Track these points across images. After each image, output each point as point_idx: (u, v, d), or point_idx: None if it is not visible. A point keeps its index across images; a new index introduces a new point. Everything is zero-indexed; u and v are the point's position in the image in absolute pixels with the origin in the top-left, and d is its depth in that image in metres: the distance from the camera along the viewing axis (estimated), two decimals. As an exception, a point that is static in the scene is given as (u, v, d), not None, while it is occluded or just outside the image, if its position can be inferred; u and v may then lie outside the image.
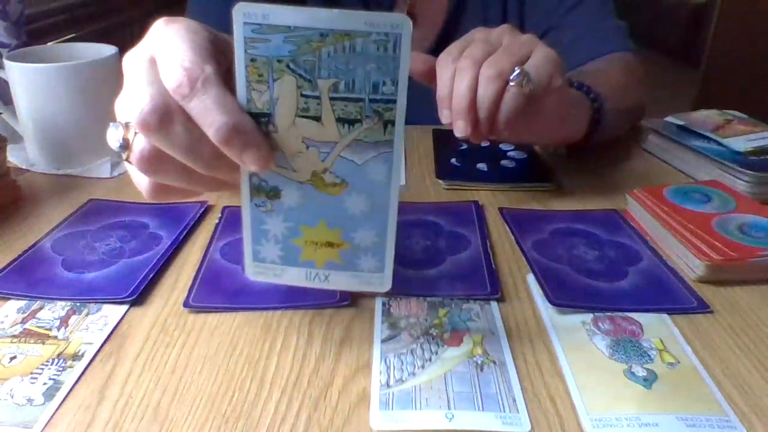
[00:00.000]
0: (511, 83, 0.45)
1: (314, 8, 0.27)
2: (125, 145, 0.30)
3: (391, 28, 0.27)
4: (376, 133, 0.29)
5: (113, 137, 0.30)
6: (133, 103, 0.28)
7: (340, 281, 0.33)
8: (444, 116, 0.48)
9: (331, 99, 0.29)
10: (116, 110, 0.32)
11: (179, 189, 0.32)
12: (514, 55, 0.46)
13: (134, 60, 0.31)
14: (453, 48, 0.48)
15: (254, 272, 0.33)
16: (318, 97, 0.29)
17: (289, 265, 0.33)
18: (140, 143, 0.29)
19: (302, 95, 0.29)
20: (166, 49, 0.29)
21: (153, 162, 0.30)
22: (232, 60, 0.29)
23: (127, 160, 0.30)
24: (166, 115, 0.28)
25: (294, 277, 0.33)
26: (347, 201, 0.31)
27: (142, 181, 0.32)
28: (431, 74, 0.49)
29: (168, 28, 0.30)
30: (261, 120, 0.29)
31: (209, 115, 0.28)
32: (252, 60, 0.28)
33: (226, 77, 0.29)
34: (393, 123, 0.29)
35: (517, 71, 0.45)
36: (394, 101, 0.29)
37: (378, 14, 0.27)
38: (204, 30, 0.30)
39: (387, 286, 0.33)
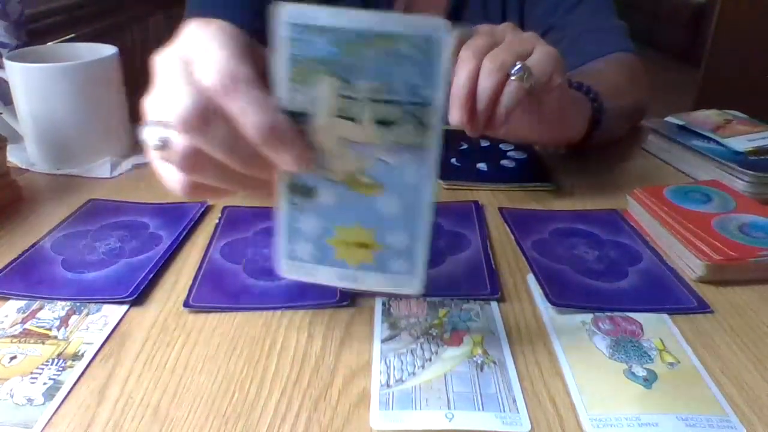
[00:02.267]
0: (512, 77, 0.45)
1: (357, 10, 0.27)
2: (164, 145, 0.30)
3: (431, 31, 0.27)
4: (412, 136, 0.29)
5: (152, 136, 0.30)
6: (172, 102, 0.28)
7: (371, 282, 0.33)
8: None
9: (370, 101, 0.29)
10: (147, 109, 0.32)
11: (212, 187, 0.32)
12: (515, 51, 0.46)
13: (168, 60, 0.31)
14: (455, 40, 0.48)
15: (287, 270, 0.33)
16: (357, 99, 0.29)
17: (322, 264, 0.33)
18: (179, 142, 0.29)
19: (341, 96, 0.29)
20: (203, 50, 0.29)
21: (192, 161, 0.30)
22: (264, 62, 0.30)
23: (164, 159, 0.30)
24: (207, 115, 0.28)
25: (326, 276, 0.33)
26: (382, 203, 0.31)
27: (174, 179, 0.32)
28: None
29: (202, 31, 0.30)
30: (299, 120, 0.29)
31: (248, 114, 0.28)
32: (293, 60, 0.28)
33: (260, 79, 0.29)
34: (430, 126, 0.29)
35: (519, 66, 0.45)
36: (432, 104, 0.29)
37: (420, 18, 0.27)
38: (237, 32, 0.31)
39: (418, 288, 0.33)
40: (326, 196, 0.31)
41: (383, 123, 0.29)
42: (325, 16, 0.27)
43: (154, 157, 0.32)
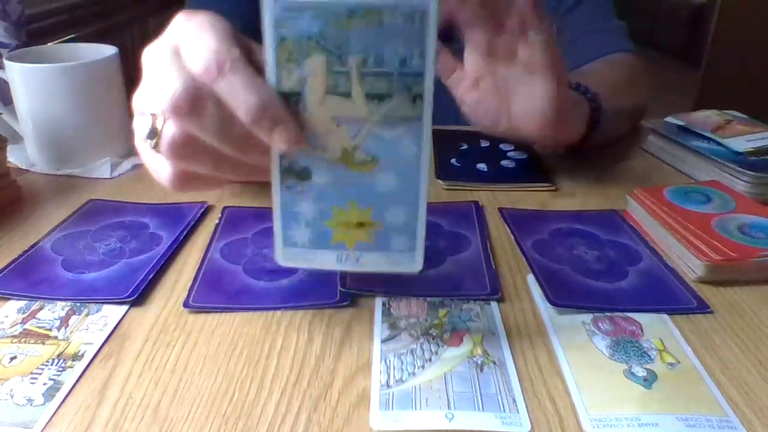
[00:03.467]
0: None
1: None
2: (153, 133, 0.30)
3: (417, 1, 0.27)
4: (405, 108, 0.29)
5: (141, 126, 0.30)
6: (162, 89, 0.28)
7: (371, 262, 0.33)
8: None
9: (361, 75, 0.29)
10: (136, 103, 0.32)
11: (204, 177, 0.32)
12: None
13: (157, 51, 0.31)
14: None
15: (284, 257, 0.33)
16: (347, 74, 0.29)
17: (320, 249, 0.33)
18: (170, 129, 0.29)
19: (331, 72, 0.29)
20: (192, 37, 0.29)
21: (183, 148, 0.30)
22: (251, 56, 0.30)
23: (154, 148, 0.30)
24: (198, 99, 0.28)
25: (325, 260, 0.33)
26: (378, 178, 0.31)
27: (163, 171, 0.32)
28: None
29: (190, 20, 0.30)
30: (291, 99, 0.29)
31: (239, 95, 0.28)
32: (282, 39, 0.28)
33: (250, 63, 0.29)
34: (422, 97, 0.29)
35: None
36: (422, 74, 0.29)
37: None
38: (225, 22, 0.31)
39: (418, 266, 0.33)
40: (321, 177, 0.31)
41: (375, 97, 0.29)
42: None
43: (144, 150, 0.32)
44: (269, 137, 0.29)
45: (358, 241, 0.32)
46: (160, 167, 0.32)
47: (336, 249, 0.33)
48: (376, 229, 0.32)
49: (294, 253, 0.33)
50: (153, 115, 0.30)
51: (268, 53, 0.29)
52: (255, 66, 0.30)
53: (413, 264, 0.33)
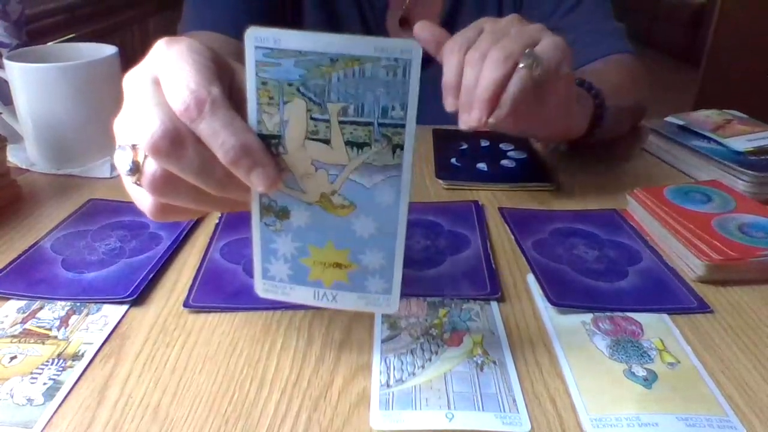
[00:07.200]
0: (521, 66, 0.45)
1: (325, 33, 0.27)
2: (135, 169, 0.30)
3: (401, 53, 0.27)
4: (384, 157, 0.29)
5: (122, 160, 0.30)
6: (141, 126, 0.28)
7: (348, 301, 0.33)
8: (448, 104, 0.48)
9: (341, 122, 0.29)
10: (117, 130, 0.32)
11: (184, 209, 0.32)
12: (522, 42, 0.46)
13: (137, 81, 0.30)
14: (460, 36, 0.49)
15: (263, 290, 0.34)
16: (327, 121, 0.29)
17: (298, 284, 0.33)
18: (151, 166, 0.29)
19: (312, 118, 0.29)
20: (171, 71, 0.29)
21: (164, 184, 0.29)
22: (233, 79, 0.30)
23: (136, 182, 0.30)
24: (177, 139, 0.28)
25: (302, 295, 0.33)
26: (355, 223, 0.31)
27: (144, 201, 0.32)
28: (437, 47, 0.49)
29: (171, 50, 0.30)
30: (271, 142, 0.29)
31: (218, 136, 0.28)
32: (263, 83, 0.28)
33: (229, 97, 0.29)
34: (402, 147, 0.29)
35: (527, 52, 0.45)
36: (403, 125, 0.29)
37: (388, 40, 0.27)
38: (206, 50, 0.30)
39: (394, 308, 0.33)
40: (299, 217, 0.31)
41: (355, 145, 0.29)
42: (293, 39, 0.27)
43: (126, 181, 0.32)
44: (248, 178, 0.29)
45: (335, 280, 0.33)
46: (141, 197, 0.32)
47: (313, 286, 0.33)
48: (353, 270, 0.32)
49: (272, 286, 0.33)
50: (134, 147, 0.30)
51: (249, 95, 0.29)
52: (237, 94, 0.29)
53: (389, 306, 0.33)
